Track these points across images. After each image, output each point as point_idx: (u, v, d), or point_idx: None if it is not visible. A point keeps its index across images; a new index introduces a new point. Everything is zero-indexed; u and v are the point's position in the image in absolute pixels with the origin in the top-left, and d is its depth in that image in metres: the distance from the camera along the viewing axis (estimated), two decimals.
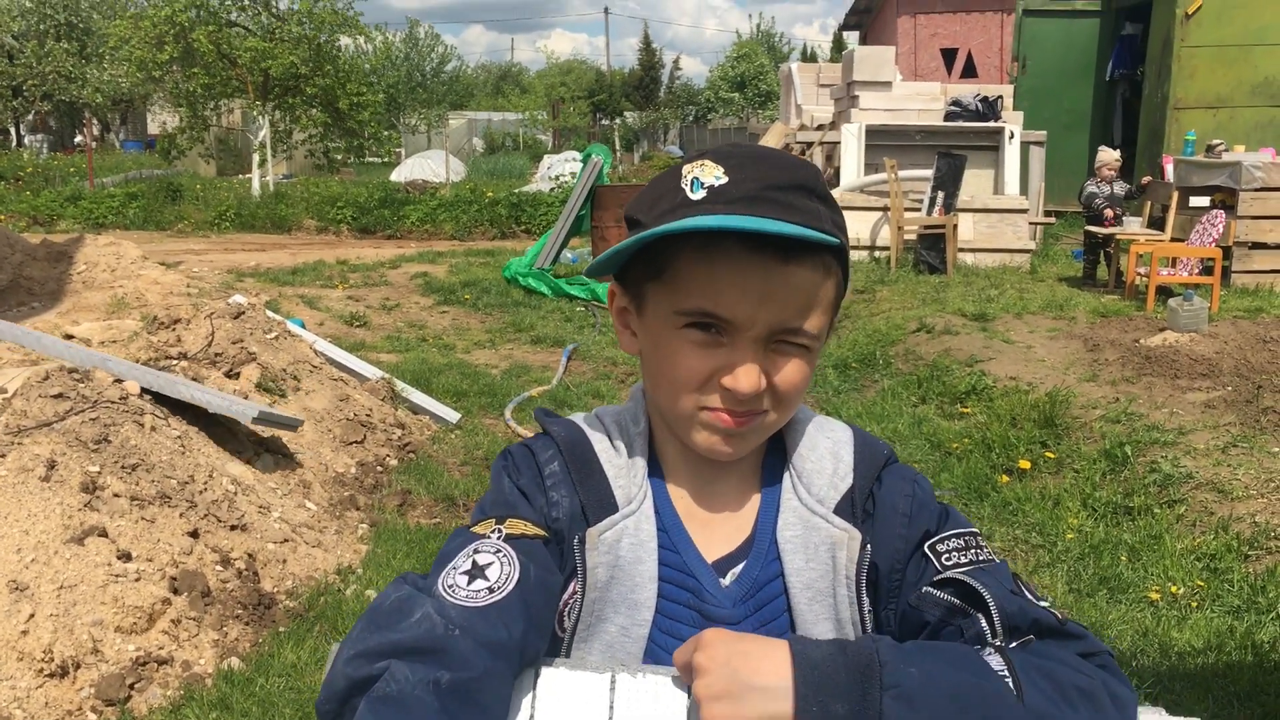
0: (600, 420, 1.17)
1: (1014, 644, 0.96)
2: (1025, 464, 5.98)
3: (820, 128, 13.95)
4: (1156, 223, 11.12)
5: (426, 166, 28.12)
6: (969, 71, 19.29)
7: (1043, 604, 1.01)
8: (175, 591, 3.81)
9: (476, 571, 0.99)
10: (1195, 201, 10.44)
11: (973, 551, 1.07)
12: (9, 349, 6.83)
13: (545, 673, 0.98)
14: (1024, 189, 12.81)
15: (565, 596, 1.08)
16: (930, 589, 1.05)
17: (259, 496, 4.69)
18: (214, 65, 20.69)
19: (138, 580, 3.71)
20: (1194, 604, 4.35)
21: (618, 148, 39.78)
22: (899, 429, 6.79)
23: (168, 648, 3.63)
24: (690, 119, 51.76)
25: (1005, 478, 5.88)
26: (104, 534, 3.77)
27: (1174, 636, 4.09)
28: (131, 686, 3.45)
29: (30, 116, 31.98)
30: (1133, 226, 10.65)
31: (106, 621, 3.55)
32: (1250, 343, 7.47)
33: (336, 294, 11.86)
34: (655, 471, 1.15)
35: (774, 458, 1.16)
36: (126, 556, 3.77)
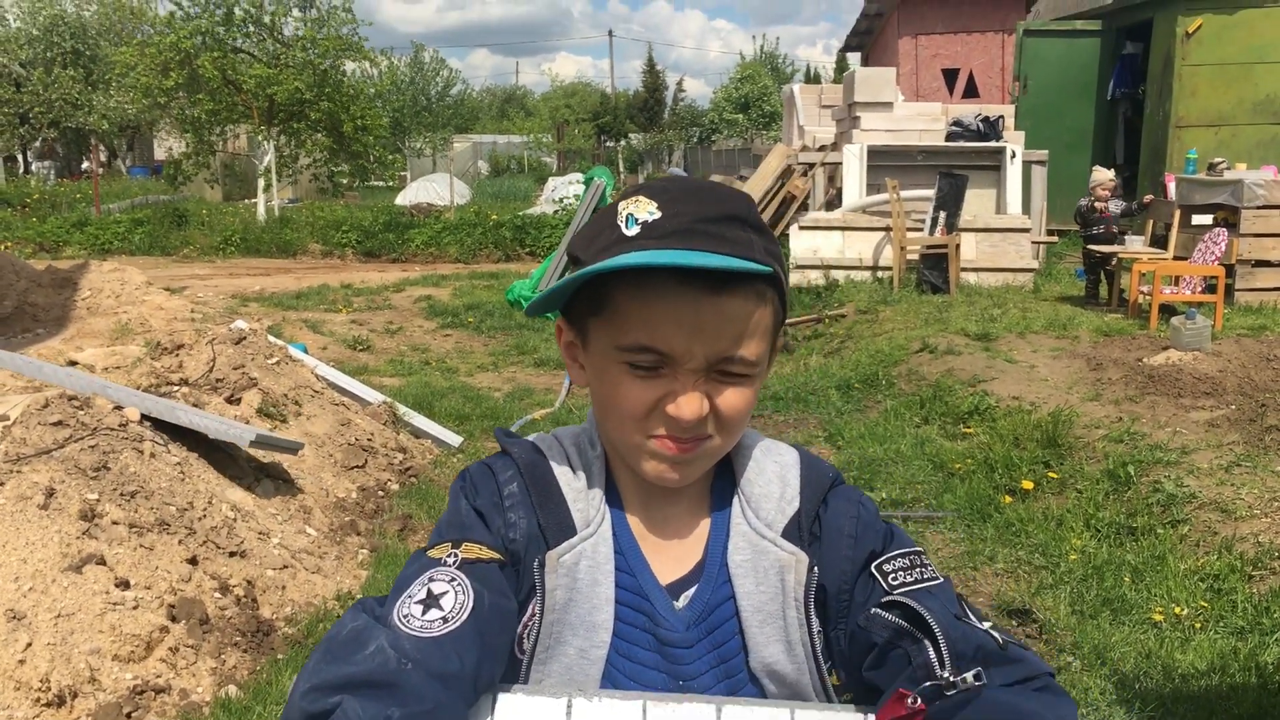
0: (559, 442, 1.18)
1: (961, 681, 0.97)
2: (1028, 484, 5.96)
3: (822, 148, 13.99)
4: (1159, 241, 11.11)
5: (431, 190, 28.23)
6: (970, 92, 19.34)
7: (985, 625, 1.03)
8: (173, 619, 3.81)
9: (431, 601, 0.99)
10: (1198, 220, 10.44)
11: (918, 570, 1.09)
12: (12, 376, 6.85)
13: (502, 698, 1.00)
14: (1026, 208, 12.81)
15: (525, 618, 1.09)
16: (878, 610, 1.06)
17: (259, 523, 4.68)
18: (219, 91, 20.83)
19: (136, 608, 3.71)
20: (1197, 625, 4.32)
21: (621, 169, 39.92)
22: (901, 449, 6.77)
23: (165, 676, 3.62)
24: (694, 140, 51.92)
25: (1008, 498, 5.86)
26: (102, 562, 3.77)
27: (1177, 658, 4.06)
28: (129, 716, 3.44)
29: (38, 143, 32.17)
30: (1135, 245, 10.65)
31: (104, 650, 3.54)
32: (1254, 361, 7.45)
33: (340, 318, 11.89)
34: (611, 494, 1.16)
35: (723, 481, 1.17)
36: (125, 584, 3.77)
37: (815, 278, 11.98)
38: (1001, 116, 13.23)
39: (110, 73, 26.64)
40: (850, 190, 12.52)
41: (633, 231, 1.02)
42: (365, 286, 14.51)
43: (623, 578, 1.12)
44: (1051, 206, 13.99)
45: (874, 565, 1.10)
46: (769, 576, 1.12)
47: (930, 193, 11.58)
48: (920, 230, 11.75)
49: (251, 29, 21.70)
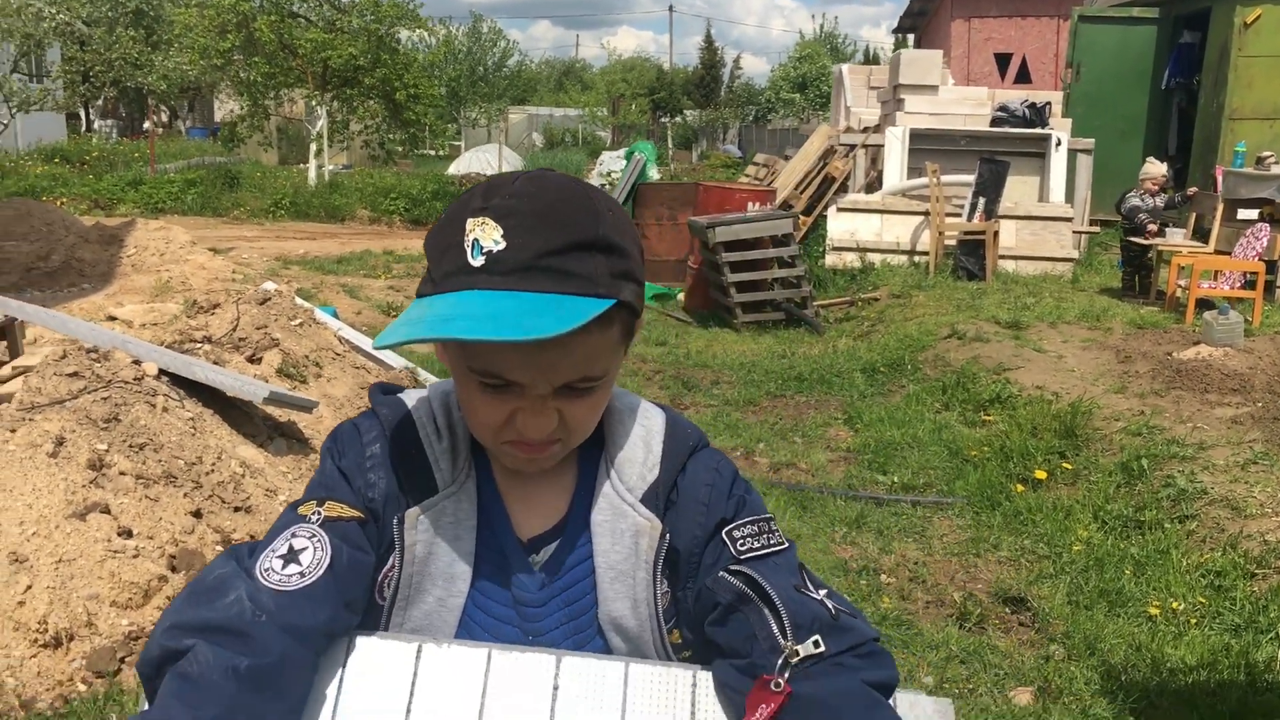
0: (429, 402, 1.21)
1: (804, 648, 1.05)
2: (1042, 474, 5.92)
3: (865, 130, 13.86)
4: (1203, 235, 10.91)
5: (484, 160, 28.37)
6: (1023, 77, 19.03)
7: (820, 594, 1.10)
8: (173, 569, 3.91)
9: (291, 556, 1.06)
10: (1243, 214, 10.23)
11: (765, 537, 1.16)
12: (50, 330, 7.02)
13: (359, 641, 1.07)
14: (1070, 197, 12.63)
15: (385, 569, 1.15)
16: (725, 574, 1.13)
17: (267, 480, 4.79)
18: (275, 55, 21.03)
19: (136, 557, 3.82)
20: (1193, 620, 4.29)
21: (671, 146, 39.76)
22: (919, 435, 6.75)
23: None
24: (750, 119, 51.58)
25: (1020, 487, 5.83)
26: (106, 510, 3.88)
27: (1168, 652, 4.04)
28: (122, 660, 3.55)
29: (100, 102, 32.70)
30: (1176, 238, 10.47)
31: (103, 596, 3.65)
32: None
33: (378, 284, 12.02)
34: (479, 452, 1.20)
35: (591, 441, 1.20)
36: (127, 533, 3.88)
37: (850, 260, 11.91)
38: (1049, 103, 13.02)
39: (170, 33, 27.01)
40: (891, 173, 12.42)
41: (478, 262, 1.03)
42: (407, 254, 14.63)
43: (484, 534, 1.18)
44: (1099, 196, 13.77)
45: (724, 531, 1.16)
46: (624, 538, 1.18)
47: (971, 178, 11.45)
48: (959, 216, 11.63)
49: None
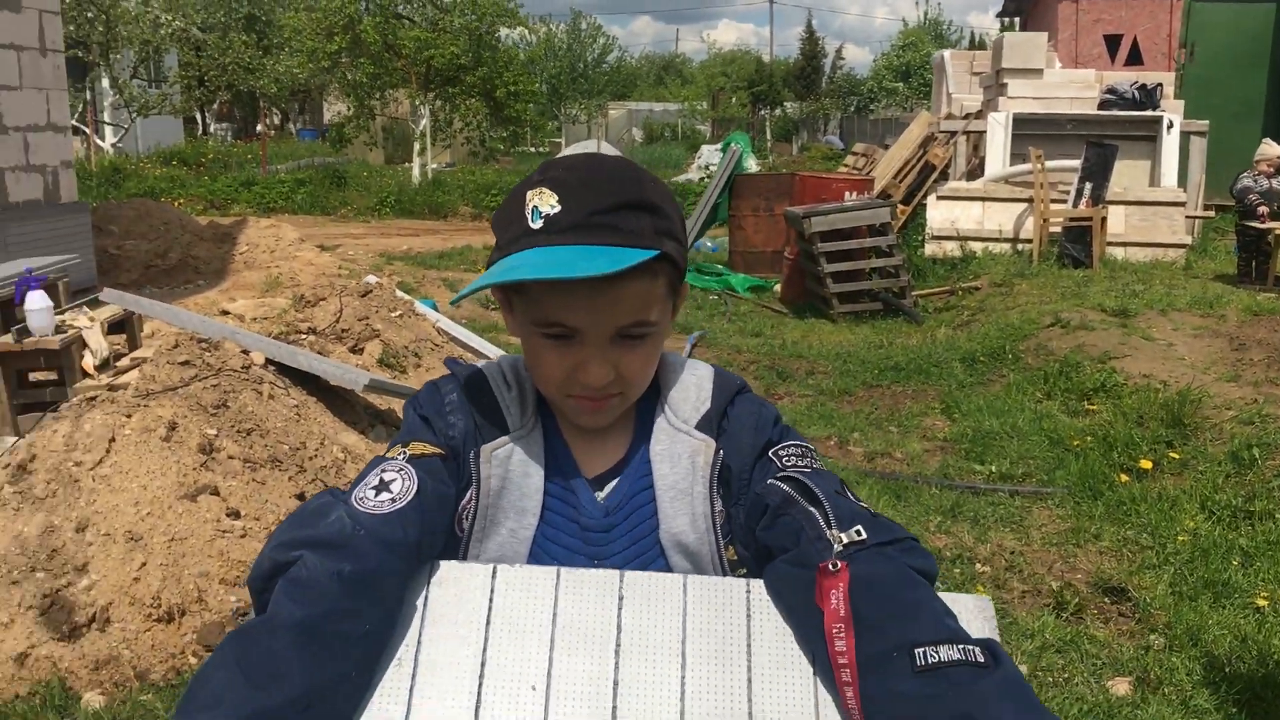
0: (499, 365, 1.36)
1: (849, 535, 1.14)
2: (1147, 464, 5.77)
3: (966, 116, 13.62)
4: None
5: None
6: (1134, 58, 18.44)
7: (861, 504, 1.20)
8: None
9: (382, 486, 1.17)
10: None
11: (807, 460, 1.27)
12: (166, 324, 7.31)
13: (440, 565, 1.19)
14: (1183, 181, 12.23)
15: (464, 502, 1.27)
16: (773, 480, 1.24)
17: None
18: (380, 56, 21.50)
19: (243, 537, 3.97)
20: None
21: (771, 138, 39.53)
22: (1018, 424, 6.63)
23: None
24: (851, 109, 51.00)
25: (1125, 477, 5.69)
26: (215, 492, 4.04)
27: (1275, 644, 3.91)
28: None
29: (215, 105, 33.83)
30: None
31: (212, 573, 3.81)
32: None
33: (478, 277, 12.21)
34: (544, 406, 1.33)
35: (649, 393, 1.33)
36: (235, 514, 4.04)
37: (951, 249, 11.72)
38: (1160, 85, 12.62)
39: (280, 37, 27.81)
40: (993, 160, 12.18)
41: (537, 225, 1.16)
42: None
43: (551, 472, 1.30)
44: (1214, 180, 13.30)
45: (770, 451, 1.29)
46: (681, 460, 1.30)
47: (1077, 163, 11.17)
48: (1065, 202, 11.36)
49: None
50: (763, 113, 48.86)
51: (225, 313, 8.96)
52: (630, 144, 39.79)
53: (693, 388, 1.33)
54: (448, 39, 21.17)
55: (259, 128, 35.22)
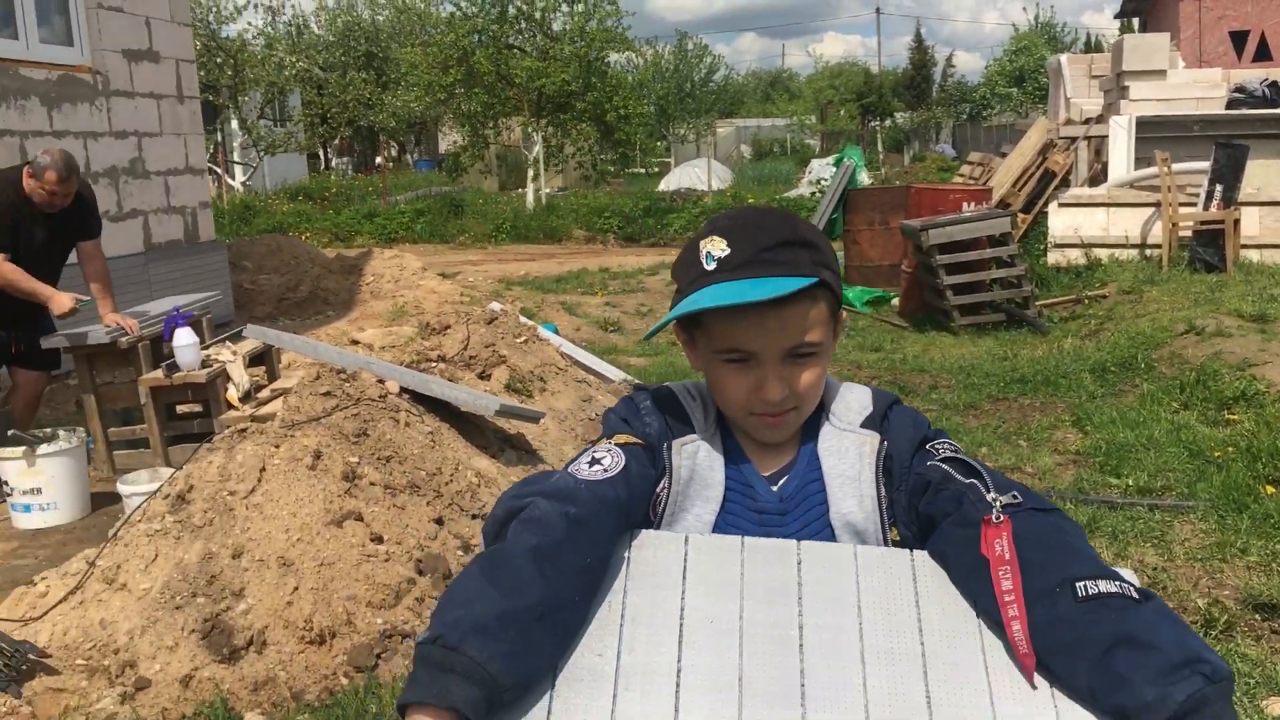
0: (682, 384, 1.57)
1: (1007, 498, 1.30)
2: None
3: (1086, 121, 13.30)
4: None
5: (693, 175, 28.68)
6: (1262, 54, 17.73)
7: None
8: (420, 572, 4.19)
9: (594, 462, 1.39)
10: None
11: (960, 454, 1.42)
12: (299, 355, 7.59)
13: (639, 533, 1.38)
14: None
15: (657, 490, 1.45)
16: (934, 462, 1.41)
17: (500, 489, 5.05)
18: (493, 86, 21.98)
19: (387, 561, 4.11)
20: None
21: (880, 149, 39.08)
22: (1154, 436, 6.45)
23: (411, 623, 4.00)
24: (964, 117, 50.15)
25: (1270, 488, 5.49)
26: (360, 518, 4.20)
27: None
28: (379, 656, 3.84)
29: (336, 141, 34.97)
30: None
31: (359, 596, 3.96)
32: None
33: (595, 300, 12.38)
34: (722, 420, 1.52)
35: (815, 412, 1.51)
36: (378, 539, 4.18)
37: (1075, 257, 11.45)
38: None
39: (397, 72, 28.62)
40: (1116, 164, 11.87)
41: (711, 266, 1.37)
42: (621, 270, 15.01)
43: (731, 468, 1.48)
44: None
45: (927, 444, 1.45)
46: (849, 453, 1.47)
47: (1206, 165, 10.82)
48: (1194, 205, 11.01)
49: (523, 25, 22.77)
50: (872, 124, 48.35)
51: (355, 342, 9.27)
52: (739, 161, 39.76)
53: (854, 400, 1.51)
54: (558, 66, 21.54)
55: (378, 160, 36.25)
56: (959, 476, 1.35)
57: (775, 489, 1.48)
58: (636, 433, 1.46)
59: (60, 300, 5.87)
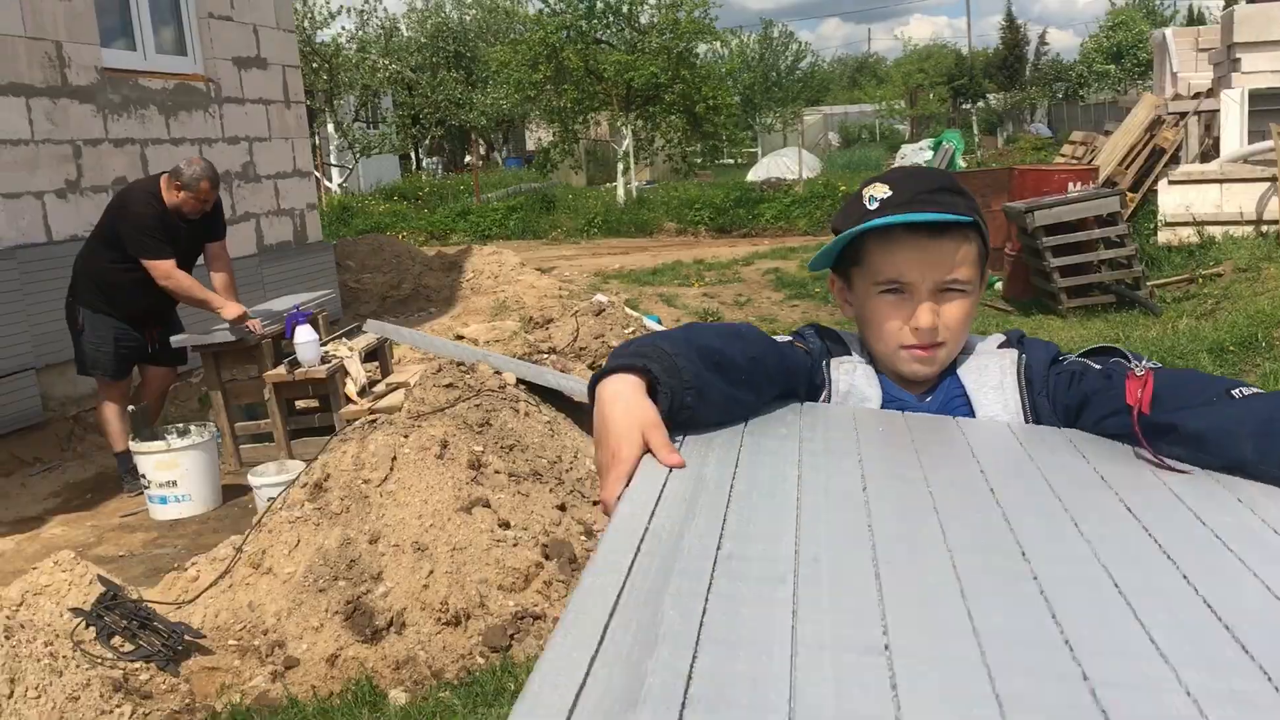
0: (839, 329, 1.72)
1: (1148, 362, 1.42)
2: None
3: (1196, 96, 12.94)
4: None
5: (781, 164, 28.53)
6: None
7: None
8: (546, 557, 4.28)
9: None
10: None
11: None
12: (410, 349, 7.77)
13: (806, 405, 1.50)
14: None
15: (820, 399, 1.57)
16: (1071, 360, 1.54)
17: None
18: (582, 81, 22.12)
19: (515, 546, 4.21)
20: None
21: (976, 131, 38.46)
22: None
23: (540, 605, 4.10)
24: (1060, 96, 49.02)
25: None
26: (487, 505, 4.30)
27: None
28: (511, 637, 3.94)
29: (427, 141, 35.52)
30: None
31: (490, 580, 4.06)
32: None
33: (692, 291, 12.42)
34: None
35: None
36: (506, 525, 4.29)
37: (1187, 235, 11.16)
38: None
39: (486, 71, 28.98)
40: (1229, 139, 11.53)
41: (874, 207, 1.49)
42: (716, 261, 15.01)
43: (883, 391, 1.59)
44: None
45: (1061, 359, 1.56)
46: (990, 368, 1.57)
47: None
48: None
49: (611, 19, 22.87)
50: (965, 106, 47.53)
51: (460, 337, 9.44)
52: (827, 148, 39.46)
53: (989, 339, 1.63)
54: (646, 59, 21.59)
55: (468, 159, 36.74)
56: (1097, 366, 1.46)
57: (924, 403, 1.59)
58: (803, 348, 1.59)
59: (232, 309, 6.16)
